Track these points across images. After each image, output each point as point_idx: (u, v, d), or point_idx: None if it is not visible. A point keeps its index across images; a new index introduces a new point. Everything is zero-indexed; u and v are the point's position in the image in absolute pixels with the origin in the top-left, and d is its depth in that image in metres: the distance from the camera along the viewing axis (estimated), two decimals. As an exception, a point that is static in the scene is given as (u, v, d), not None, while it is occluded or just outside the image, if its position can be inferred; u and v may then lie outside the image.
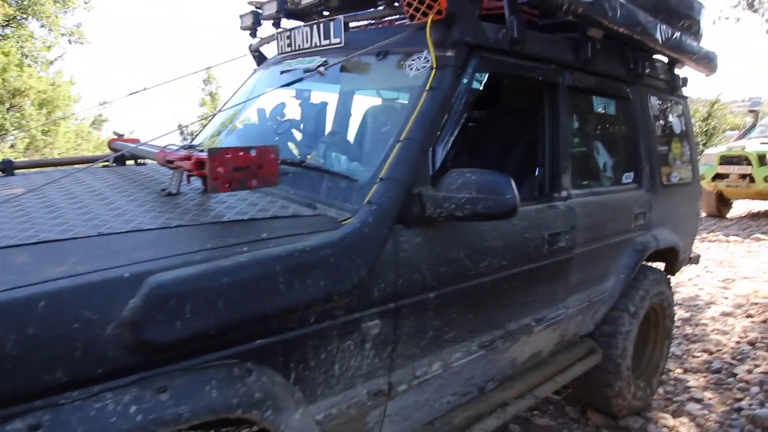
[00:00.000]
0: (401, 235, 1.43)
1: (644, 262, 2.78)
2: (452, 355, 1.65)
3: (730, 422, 2.72)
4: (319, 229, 1.33)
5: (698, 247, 6.72)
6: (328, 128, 2.37)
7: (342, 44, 1.82)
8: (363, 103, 2.33)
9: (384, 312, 1.39)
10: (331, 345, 1.28)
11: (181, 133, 8.14)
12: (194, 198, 1.50)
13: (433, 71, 1.63)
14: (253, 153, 1.23)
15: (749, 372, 3.24)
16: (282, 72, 2.13)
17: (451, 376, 1.67)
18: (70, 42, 14.23)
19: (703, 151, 10.07)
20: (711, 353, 3.53)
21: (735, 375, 3.23)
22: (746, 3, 7.70)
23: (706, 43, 3.00)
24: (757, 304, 4.42)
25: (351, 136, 2.22)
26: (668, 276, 3.08)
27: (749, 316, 4.18)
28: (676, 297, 4.68)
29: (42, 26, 13.56)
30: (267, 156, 1.25)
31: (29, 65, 12.38)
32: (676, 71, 3.04)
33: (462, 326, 1.66)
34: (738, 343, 3.69)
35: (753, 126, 9.41)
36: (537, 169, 2.17)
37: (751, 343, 3.65)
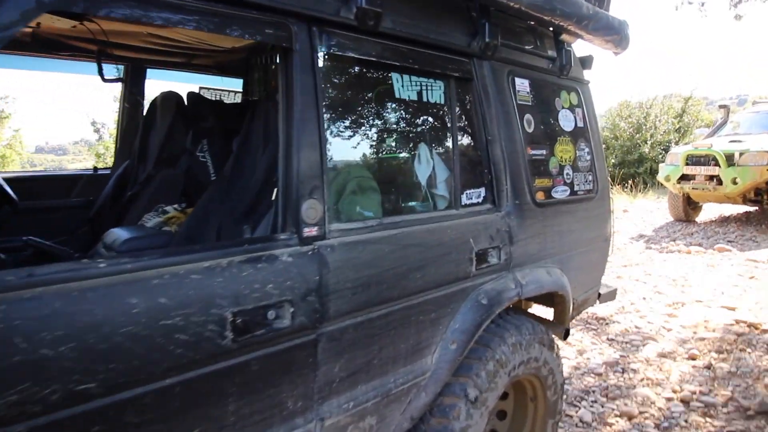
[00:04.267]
0: None
1: (510, 314, 1.95)
2: None
3: None
4: None
5: (653, 260, 5.95)
6: None
7: None
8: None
9: None
10: None
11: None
12: None
13: None
14: None
15: (673, 450, 2.43)
16: None
17: None
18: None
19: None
20: (631, 418, 2.71)
21: (654, 455, 2.41)
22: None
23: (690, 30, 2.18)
24: (703, 340, 3.61)
25: None
26: (555, 328, 2.25)
27: (691, 357, 3.37)
28: (611, 329, 3.87)
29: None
30: None
31: None
32: (569, 47, 2.21)
33: None
34: (669, 400, 2.87)
35: (723, 123, 8.64)
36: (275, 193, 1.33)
37: (685, 402, 2.83)
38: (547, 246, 2.03)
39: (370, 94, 1.57)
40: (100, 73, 2.13)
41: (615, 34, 2.19)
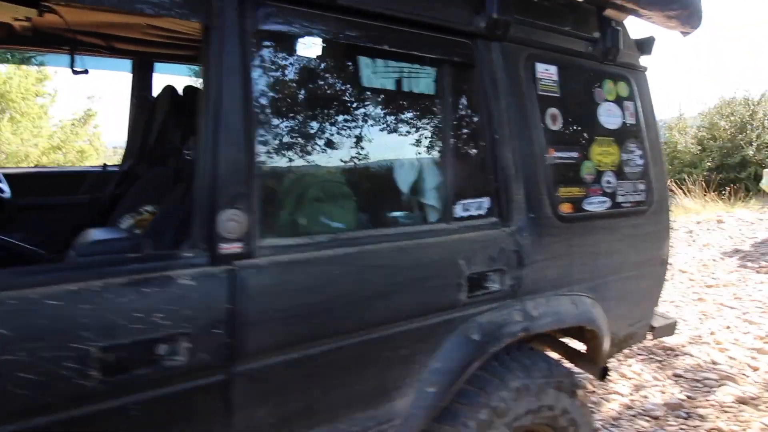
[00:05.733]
0: None
1: (519, 351, 1.61)
2: None
3: None
4: None
5: (747, 281, 5.12)
6: None
7: None
8: None
9: None
10: None
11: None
12: None
13: None
14: None
15: None
16: None
17: None
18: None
19: None
20: (689, 480, 2.23)
21: None
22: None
23: None
24: (799, 386, 2.96)
25: None
26: (589, 367, 1.86)
27: (781, 407, 2.76)
28: (679, 363, 3.30)
29: None
30: None
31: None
32: (615, 24, 1.80)
33: None
34: (743, 462, 2.34)
35: None
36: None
37: (765, 467, 2.29)
38: (575, 270, 1.66)
39: (328, 83, 1.31)
40: (71, 65, 2.06)
41: (680, 8, 1.75)
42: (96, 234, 1.64)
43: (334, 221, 1.39)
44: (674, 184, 9.72)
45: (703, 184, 9.75)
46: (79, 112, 11.06)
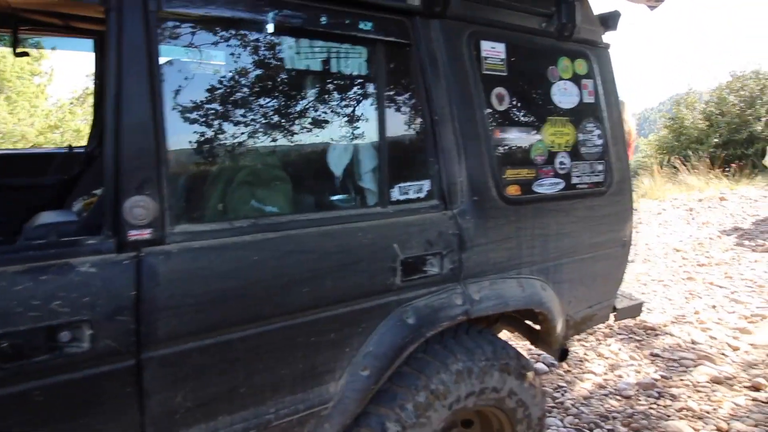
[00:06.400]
0: None
1: (465, 334, 1.61)
2: None
3: None
4: None
5: (741, 260, 5.06)
6: None
7: None
8: None
9: None
10: None
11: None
12: None
13: None
14: None
15: None
16: None
17: None
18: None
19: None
20: (652, 458, 2.24)
21: None
22: None
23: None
24: (777, 367, 2.94)
25: None
26: (547, 348, 1.87)
27: (755, 387, 2.74)
28: (658, 343, 3.29)
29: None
30: None
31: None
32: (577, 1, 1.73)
33: None
34: (708, 441, 2.35)
35: None
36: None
37: (729, 446, 2.29)
38: (524, 252, 1.64)
39: (247, 65, 1.28)
40: (14, 45, 2.04)
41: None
42: (43, 217, 1.65)
43: (267, 206, 1.38)
44: (678, 160, 9.55)
45: (708, 160, 9.57)
46: (78, 92, 11.09)
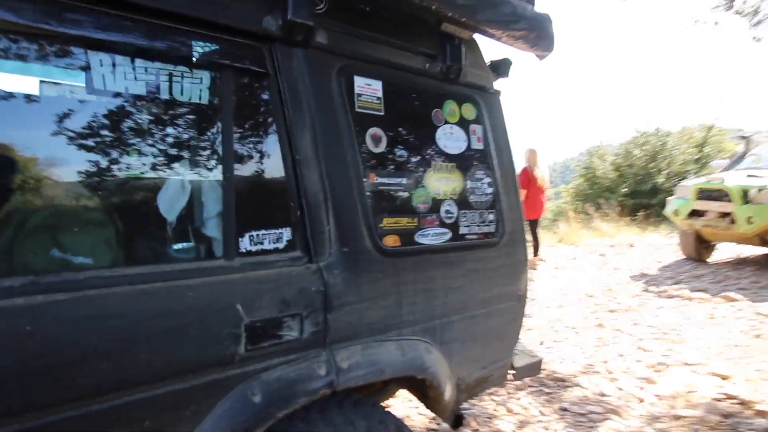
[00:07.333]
0: None
1: (332, 407, 1.37)
2: None
3: None
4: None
5: (647, 306, 5.24)
6: None
7: None
8: None
9: None
10: None
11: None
12: None
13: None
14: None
15: None
16: None
17: None
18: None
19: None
20: None
21: None
22: (726, 5, 6.17)
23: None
24: (679, 419, 2.92)
25: None
26: (441, 414, 1.67)
27: (659, 443, 2.69)
28: (568, 395, 3.21)
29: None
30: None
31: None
32: (457, 41, 1.65)
33: None
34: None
35: (743, 155, 7.85)
36: None
37: None
38: (404, 311, 1.46)
39: (44, 83, 1.04)
40: None
41: (527, 29, 1.63)
42: None
43: (106, 254, 1.12)
44: (592, 207, 10.08)
45: (619, 208, 10.19)
46: None
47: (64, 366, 0.92)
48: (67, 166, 1.06)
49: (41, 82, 1.06)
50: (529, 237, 6.94)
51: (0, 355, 0.86)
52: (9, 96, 1.00)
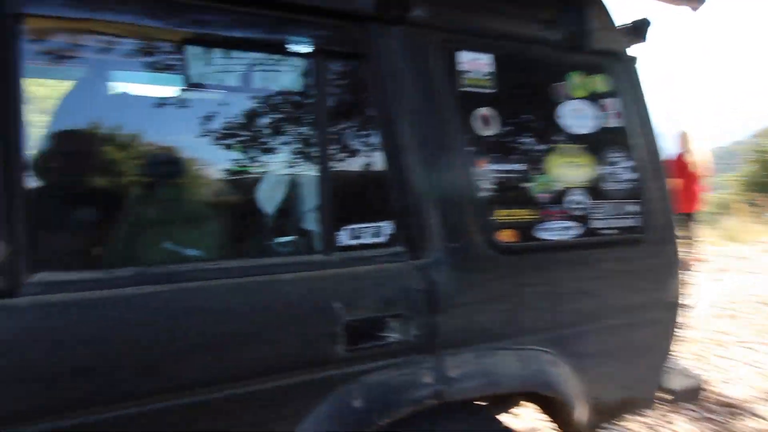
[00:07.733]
0: None
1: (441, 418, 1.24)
2: None
3: None
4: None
5: None
6: None
7: None
8: None
9: None
10: None
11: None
12: None
13: None
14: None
15: None
16: None
17: None
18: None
19: None
20: None
21: None
22: None
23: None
24: None
25: None
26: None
27: None
28: (741, 426, 2.65)
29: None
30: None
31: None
32: (589, 4, 1.41)
33: None
34: None
35: None
36: None
37: None
38: (525, 316, 1.28)
39: (140, 78, 1.06)
40: None
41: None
42: None
43: (212, 247, 1.15)
44: (766, 198, 8.48)
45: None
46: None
47: (162, 356, 0.93)
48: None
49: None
50: (684, 233, 6.02)
51: (98, 343, 0.88)
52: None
